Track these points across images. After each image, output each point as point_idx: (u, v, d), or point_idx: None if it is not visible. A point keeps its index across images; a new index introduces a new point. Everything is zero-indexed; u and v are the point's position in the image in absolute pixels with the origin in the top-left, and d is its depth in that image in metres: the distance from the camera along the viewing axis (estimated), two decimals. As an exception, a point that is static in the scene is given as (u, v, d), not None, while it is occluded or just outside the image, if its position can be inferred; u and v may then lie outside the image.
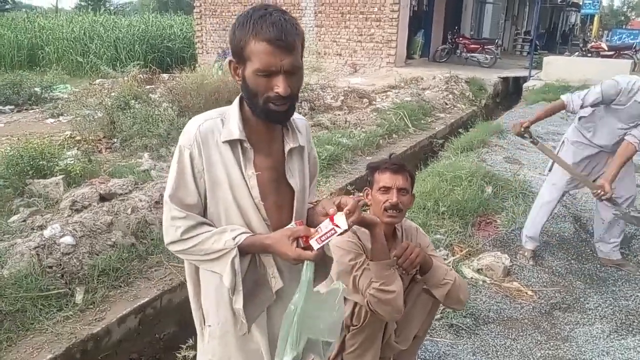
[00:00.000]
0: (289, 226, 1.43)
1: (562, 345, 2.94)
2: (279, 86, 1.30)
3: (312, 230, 1.38)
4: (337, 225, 1.35)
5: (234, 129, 1.41)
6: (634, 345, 2.76)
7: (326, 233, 1.35)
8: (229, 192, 1.43)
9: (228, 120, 1.43)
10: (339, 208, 1.38)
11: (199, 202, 1.45)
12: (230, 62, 1.39)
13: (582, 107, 3.48)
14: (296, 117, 1.55)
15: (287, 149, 1.49)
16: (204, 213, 1.48)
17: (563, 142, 3.84)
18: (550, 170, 3.87)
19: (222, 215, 1.47)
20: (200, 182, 1.43)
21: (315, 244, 1.35)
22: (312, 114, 9.14)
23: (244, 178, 1.43)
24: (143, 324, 3.29)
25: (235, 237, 1.41)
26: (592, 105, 3.46)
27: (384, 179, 2.06)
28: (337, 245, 1.97)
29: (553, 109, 3.72)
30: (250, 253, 1.46)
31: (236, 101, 1.46)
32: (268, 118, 1.38)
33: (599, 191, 3.38)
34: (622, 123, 3.38)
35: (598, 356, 2.77)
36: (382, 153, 7.11)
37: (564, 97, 3.55)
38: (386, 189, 2.03)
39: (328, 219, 1.37)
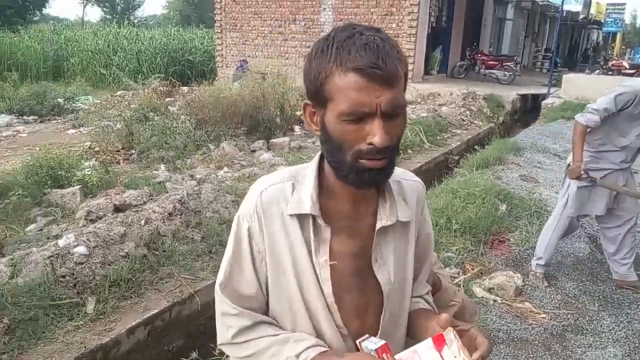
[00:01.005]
0: (367, 346, 1.03)
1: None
2: (375, 134, 0.92)
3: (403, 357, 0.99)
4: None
5: (305, 198, 1.05)
6: (647, 371, 2.70)
7: None
8: (295, 285, 1.07)
9: (300, 184, 1.08)
10: (460, 335, 0.98)
11: (259, 293, 1.11)
12: (305, 106, 1.05)
13: (602, 119, 3.30)
14: (403, 176, 1.17)
15: (378, 226, 1.08)
16: (267, 307, 1.13)
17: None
18: (566, 202, 3.69)
19: (286, 315, 1.11)
20: (260, 267, 1.09)
21: None
22: (328, 129, 9.18)
23: (314, 268, 1.06)
24: (152, 336, 3.32)
25: (300, 353, 1.04)
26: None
27: None
28: None
29: (581, 137, 3.43)
30: None
31: (315, 159, 1.10)
32: (358, 181, 0.99)
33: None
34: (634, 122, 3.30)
35: (610, 381, 2.72)
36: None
37: (580, 119, 3.38)
38: None
39: (430, 340, 0.97)
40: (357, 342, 1.06)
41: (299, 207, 1.05)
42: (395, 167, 1.13)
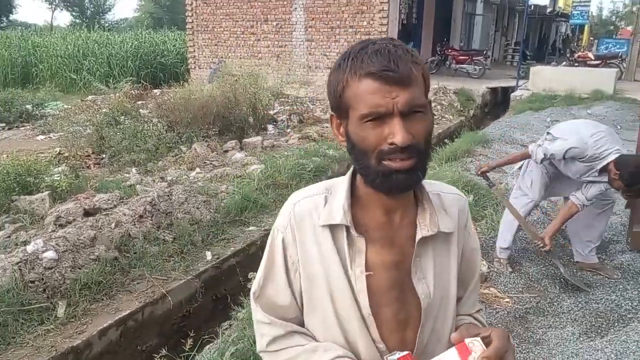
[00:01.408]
0: (391, 357, 1.01)
1: (533, 348, 3.00)
2: (395, 133, 0.92)
3: None
4: None
5: (337, 208, 1.04)
6: (602, 347, 2.82)
7: None
8: (328, 296, 1.06)
9: (333, 196, 1.07)
10: (484, 341, 0.95)
11: (293, 304, 1.10)
12: (331, 117, 1.05)
13: (542, 160, 3.57)
14: (443, 189, 1.15)
15: (418, 237, 1.04)
16: (302, 317, 1.12)
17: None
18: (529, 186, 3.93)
19: (319, 327, 1.09)
20: (294, 278, 1.09)
21: None
22: (301, 127, 9.26)
23: (348, 279, 1.04)
24: (124, 336, 3.34)
25: None
26: None
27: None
28: None
29: (517, 158, 3.91)
30: None
31: (349, 172, 1.09)
32: (386, 185, 0.96)
33: (539, 243, 3.58)
34: (568, 171, 3.55)
35: (567, 358, 2.83)
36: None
37: (531, 147, 3.65)
38: None
39: (454, 349, 0.95)
40: (385, 357, 1.03)
41: (330, 218, 1.04)
42: (435, 181, 1.16)
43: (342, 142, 1.03)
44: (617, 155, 3.25)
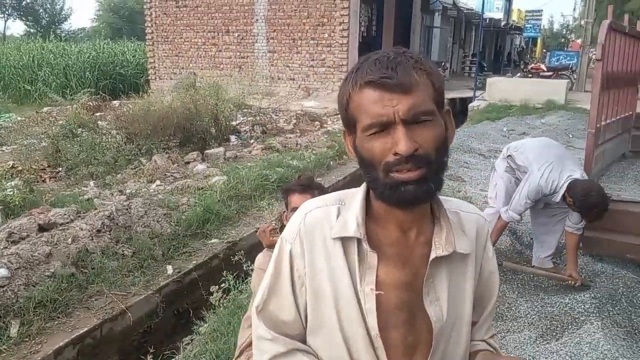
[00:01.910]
0: None
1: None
2: (398, 142, 0.88)
3: None
4: None
5: (351, 220, 0.99)
6: (557, 349, 2.91)
7: None
8: (335, 314, 1.00)
9: (347, 209, 1.02)
10: None
11: (298, 320, 1.04)
12: (344, 134, 1.02)
13: (521, 213, 3.82)
14: (461, 208, 1.09)
15: (432, 256, 0.98)
16: (306, 334, 1.06)
17: (495, 168, 4.16)
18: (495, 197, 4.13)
19: (323, 345, 1.03)
20: (300, 292, 1.03)
21: None
22: (264, 137, 9.25)
23: (357, 296, 0.98)
24: (82, 355, 3.24)
25: None
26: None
27: (294, 200, 2.14)
28: (260, 268, 1.99)
29: (500, 231, 3.99)
30: None
31: (364, 184, 1.04)
32: (395, 197, 0.91)
33: (570, 282, 3.65)
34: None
35: (525, 361, 2.92)
36: (333, 174, 7.26)
37: (504, 217, 3.82)
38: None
39: None
40: None
41: (342, 230, 0.98)
42: (454, 199, 1.11)
43: (352, 156, 0.99)
44: (569, 182, 3.45)
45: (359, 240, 0.98)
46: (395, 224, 0.98)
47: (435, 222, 1.01)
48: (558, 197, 3.52)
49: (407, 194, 0.89)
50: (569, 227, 3.68)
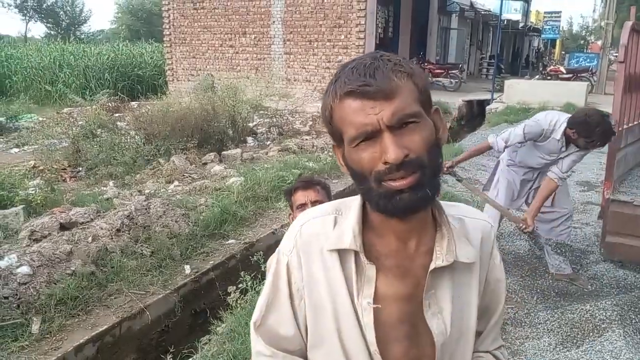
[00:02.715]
0: None
1: (511, 359, 3.04)
2: (386, 150, 0.84)
3: None
4: None
5: (347, 232, 0.95)
6: (577, 357, 2.87)
7: None
8: (334, 328, 0.97)
9: (344, 219, 0.98)
10: None
11: (297, 335, 1.00)
12: (334, 147, 0.99)
13: (505, 147, 3.82)
14: (467, 214, 1.04)
15: (431, 267, 0.94)
16: (306, 349, 1.02)
17: (499, 161, 4.15)
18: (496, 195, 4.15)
19: None
20: (299, 306, 1.00)
21: None
22: (281, 139, 9.28)
23: (355, 311, 0.95)
24: (101, 352, 3.28)
25: None
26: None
27: (298, 198, 2.15)
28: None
29: (479, 150, 4.14)
30: None
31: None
32: (390, 207, 0.88)
33: (521, 225, 3.68)
34: (542, 154, 3.74)
35: (544, 368, 2.89)
36: (348, 176, 7.26)
37: (490, 139, 3.87)
38: (302, 206, 2.12)
39: None
40: None
41: (338, 242, 0.95)
42: (459, 204, 1.07)
43: (344, 169, 0.96)
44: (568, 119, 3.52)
45: (356, 252, 0.95)
46: (394, 234, 0.95)
47: (437, 230, 0.97)
48: (558, 135, 3.52)
49: (402, 202, 0.86)
50: (552, 173, 3.65)
